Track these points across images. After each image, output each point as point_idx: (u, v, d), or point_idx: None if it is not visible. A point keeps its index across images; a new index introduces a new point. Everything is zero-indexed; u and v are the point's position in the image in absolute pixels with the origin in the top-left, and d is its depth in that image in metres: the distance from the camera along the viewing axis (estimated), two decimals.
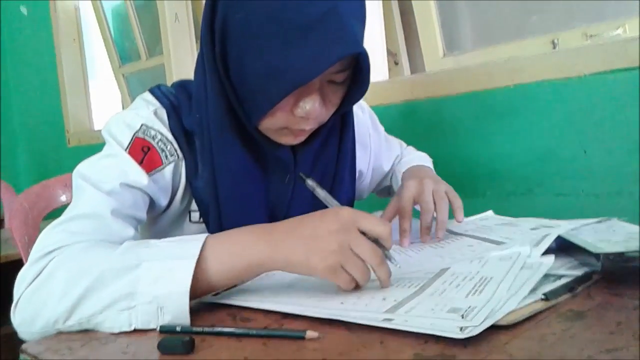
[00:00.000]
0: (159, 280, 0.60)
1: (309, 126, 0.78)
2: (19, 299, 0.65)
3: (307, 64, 0.69)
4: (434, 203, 0.87)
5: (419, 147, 1.19)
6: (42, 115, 2.87)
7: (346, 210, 0.65)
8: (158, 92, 0.85)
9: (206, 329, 0.58)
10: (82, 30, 2.75)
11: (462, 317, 0.51)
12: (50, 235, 0.70)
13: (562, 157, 1.19)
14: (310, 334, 0.54)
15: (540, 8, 1.42)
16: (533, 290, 0.58)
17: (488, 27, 1.58)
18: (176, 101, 0.84)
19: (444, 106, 1.37)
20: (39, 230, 1.12)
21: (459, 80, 1.35)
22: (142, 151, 0.79)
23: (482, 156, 1.32)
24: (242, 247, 0.65)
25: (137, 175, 0.77)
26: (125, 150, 0.78)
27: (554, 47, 1.35)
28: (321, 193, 0.79)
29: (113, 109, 2.87)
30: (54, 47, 2.71)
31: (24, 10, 2.93)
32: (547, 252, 0.69)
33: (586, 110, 1.15)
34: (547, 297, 0.57)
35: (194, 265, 0.61)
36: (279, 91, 0.71)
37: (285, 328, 0.58)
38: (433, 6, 1.55)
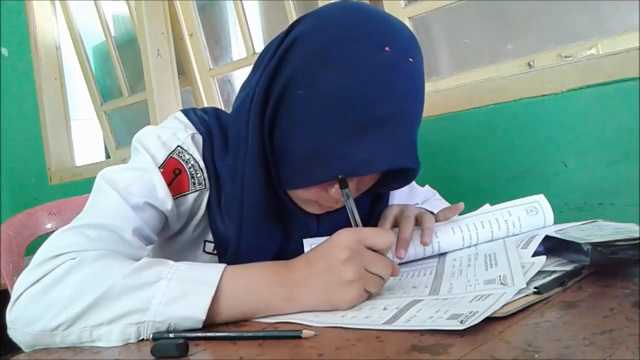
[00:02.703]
0: (174, 302, 0.60)
1: (338, 205, 0.75)
2: (19, 295, 0.62)
3: (360, 160, 0.67)
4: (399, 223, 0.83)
5: None
6: (24, 153, 2.83)
7: (347, 233, 0.65)
8: (194, 116, 0.82)
9: (199, 334, 0.58)
10: (63, 68, 2.75)
11: (461, 323, 0.50)
12: (63, 237, 0.67)
13: (543, 172, 1.20)
14: (307, 332, 0.54)
15: (516, 32, 1.46)
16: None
17: (465, 53, 1.62)
18: (209, 129, 0.81)
19: (424, 128, 1.38)
20: (24, 258, 1.11)
21: (438, 102, 1.37)
22: (173, 173, 0.77)
23: (465, 176, 1.33)
24: (259, 287, 0.65)
25: (164, 197, 0.75)
26: (159, 168, 0.76)
27: (530, 69, 1.38)
28: (352, 205, 0.74)
29: (95, 146, 2.86)
30: (35, 86, 2.71)
31: (4, 51, 2.93)
32: (535, 255, 0.69)
33: (564, 126, 1.17)
34: (538, 290, 0.58)
35: (212, 294, 0.61)
36: (322, 175, 0.69)
37: (281, 330, 0.58)
38: None
